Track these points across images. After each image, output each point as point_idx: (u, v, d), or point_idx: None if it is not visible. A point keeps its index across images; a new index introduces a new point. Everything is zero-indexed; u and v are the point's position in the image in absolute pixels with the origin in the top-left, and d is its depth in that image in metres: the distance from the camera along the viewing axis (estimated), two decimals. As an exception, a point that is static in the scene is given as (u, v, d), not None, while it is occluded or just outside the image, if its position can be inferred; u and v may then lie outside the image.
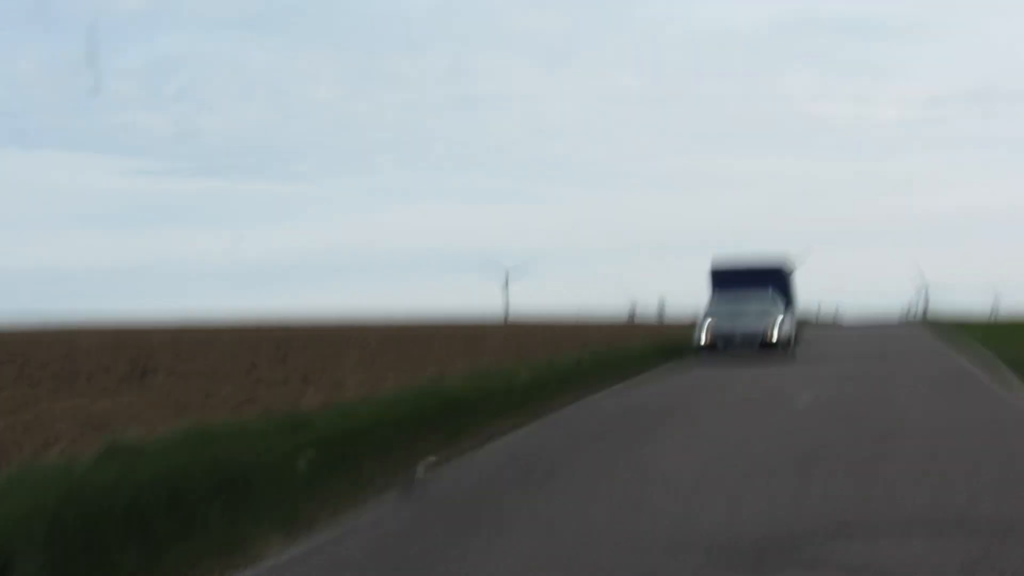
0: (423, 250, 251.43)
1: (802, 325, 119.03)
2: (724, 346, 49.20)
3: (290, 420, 19.63)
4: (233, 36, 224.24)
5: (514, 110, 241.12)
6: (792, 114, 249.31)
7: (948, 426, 21.65)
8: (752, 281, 56.48)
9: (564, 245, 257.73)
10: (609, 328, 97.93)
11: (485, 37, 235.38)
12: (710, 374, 40.00)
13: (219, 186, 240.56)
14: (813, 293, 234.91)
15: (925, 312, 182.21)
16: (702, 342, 49.47)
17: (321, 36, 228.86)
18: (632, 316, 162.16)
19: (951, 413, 23.96)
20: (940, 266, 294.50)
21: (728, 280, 57.72)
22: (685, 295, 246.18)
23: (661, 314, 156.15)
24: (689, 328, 55.87)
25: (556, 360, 38.84)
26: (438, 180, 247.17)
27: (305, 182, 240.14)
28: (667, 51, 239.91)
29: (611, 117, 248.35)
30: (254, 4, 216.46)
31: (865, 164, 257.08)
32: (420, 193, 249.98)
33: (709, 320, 50.34)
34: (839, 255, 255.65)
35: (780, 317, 50.73)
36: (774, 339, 49.49)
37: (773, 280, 57.72)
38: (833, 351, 57.26)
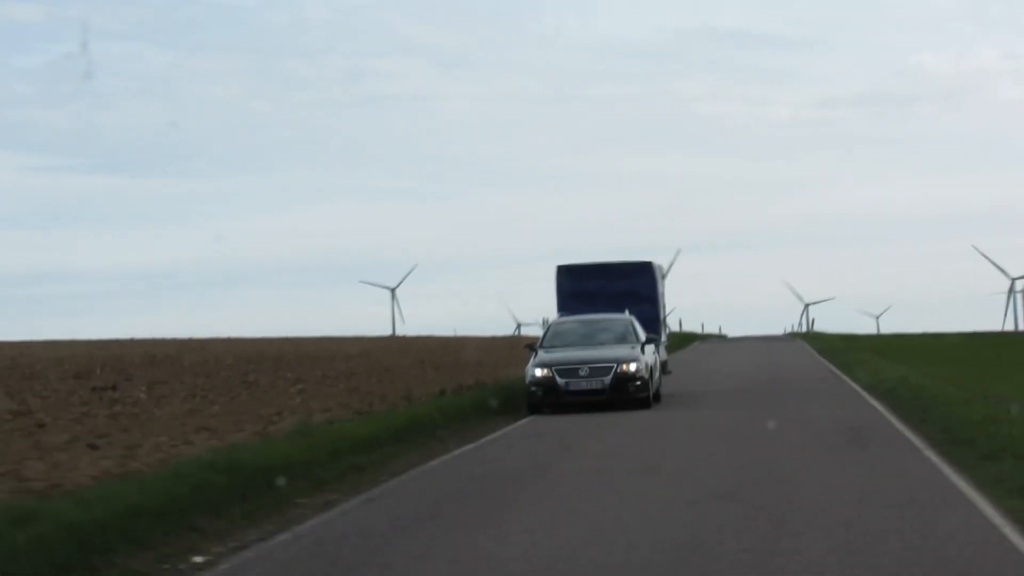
0: (317, 253, 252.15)
1: (685, 341, 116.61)
2: (562, 392, 36.42)
3: (13, 511, 15.18)
4: (131, 42, 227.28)
5: (412, 110, 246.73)
6: (686, 115, 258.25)
7: (856, 505, 17.48)
8: (608, 295, 46.10)
9: (458, 247, 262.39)
10: (491, 344, 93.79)
11: (383, 44, 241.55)
12: (564, 428, 31.84)
13: (118, 183, 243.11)
14: (700, 302, 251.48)
15: (812, 325, 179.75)
16: (531, 385, 36.71)
17: (219, 42, 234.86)
18: (518, 330, 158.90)
19: (859, 484, 19.71)
20: (828, 270, 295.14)
21: (577, 294, 47.26)
22: None
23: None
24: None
25: (405, 406, 34.33)
26: (335, 179, 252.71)
27: (202, 179, 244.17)
28: (563, 58, 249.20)
29: (508, 117, 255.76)
30: (151, 14, 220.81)
31: (758, 163, 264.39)
32: (316, 192, 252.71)
33: (543, 355, 37.42)
34: (728, 259, 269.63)
35: (642, 348, 37.96)
36: (633, 380, 36.53)
37: (635, 293, 47.51)
38: (711, 385, 48.29)
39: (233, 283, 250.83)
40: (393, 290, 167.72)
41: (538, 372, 36.49)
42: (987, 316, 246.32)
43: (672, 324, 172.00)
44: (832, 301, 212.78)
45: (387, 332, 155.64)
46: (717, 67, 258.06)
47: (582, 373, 36.29)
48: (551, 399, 36.25)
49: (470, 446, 28.28)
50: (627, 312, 41.13)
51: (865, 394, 41.24)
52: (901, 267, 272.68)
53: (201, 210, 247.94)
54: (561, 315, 43.63)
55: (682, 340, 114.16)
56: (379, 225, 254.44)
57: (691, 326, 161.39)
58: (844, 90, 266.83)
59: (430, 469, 24.14)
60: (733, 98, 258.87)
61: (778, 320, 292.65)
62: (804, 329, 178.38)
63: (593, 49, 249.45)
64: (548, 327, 40.21)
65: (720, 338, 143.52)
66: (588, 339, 38.60)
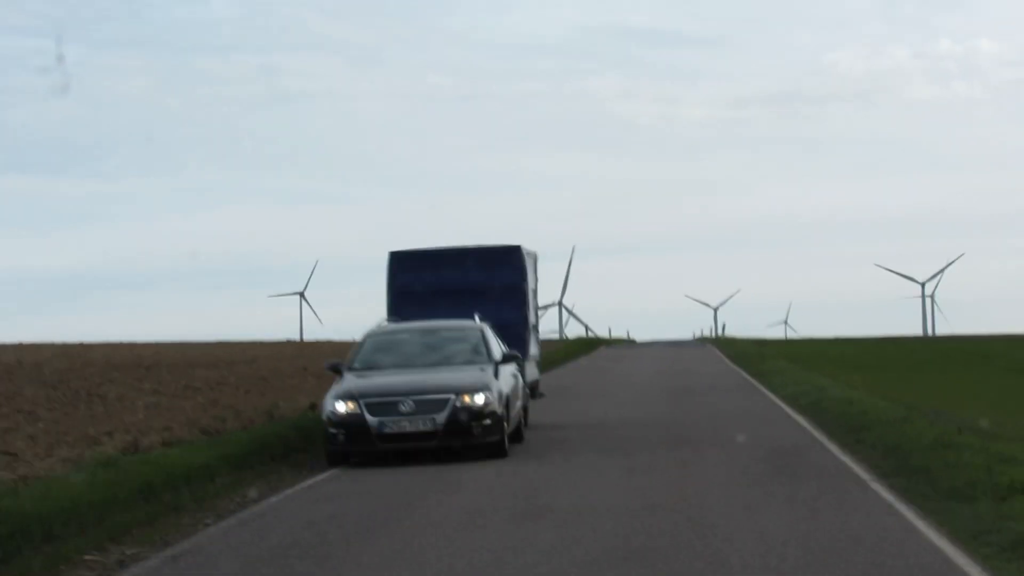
0: (230, 254, 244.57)
1: (589, 347, 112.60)
2: (375, 436, 24.76)
3: None
4: (37, 37, 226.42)
5: (324, 108, 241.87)
6: (599, 114, 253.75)
7: (804, 570, 13.18)
8: (455, 293, 35.80)
9: (373, 248, 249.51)
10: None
11: (294, 40, 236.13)
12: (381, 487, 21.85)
13: (25, 183, 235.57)
14: (609, 305, 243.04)
15: (723, 330, 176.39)
16: (330, 426, 24.97)
17: (129, 38, 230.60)
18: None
19: (800, 535, 15.36)
20: (738, 274, 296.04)
21: (410, 293, 36.41)
22: None
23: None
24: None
25: (262, 424, 29.71)
26: (247, 179, 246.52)
27: (111, 180, 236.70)
28: (476, 56, 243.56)
29: (421, 116, 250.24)
30: (57, 10, 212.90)
31: (671, 163, 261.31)
32: (229, 193, 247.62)
33: (350, 381, 26.07)
34: (639, 262, 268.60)
35: (495, 370, 26.72)
36: (480, 417, 25.11)
37: (494, 289, 36.83)
38: (607, 403, 40.61)
39: (142, 286, 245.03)
40: (302, 294, 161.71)
41: (340, 407, 24.83)
42: (900, 320, 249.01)
43: (577, 328, 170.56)
44: (743, 308, 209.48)
45: (297, 337, 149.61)
46: (629, 65, 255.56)
47: (404, 409, 24.73)
48: (360, 446, 24.84)
49: (323, 475, 23.69)
50: (477, 318, 29.61)
51: (787, 408, 37.06)
52: (812, 271, 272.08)
53: (110, 211, 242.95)
54: (388, 322, 31.88)
55: (587, 346, 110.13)
56: (292, 227, 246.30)
57: (599, 330, 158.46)
58: (757, 90, 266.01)
59: (267, 509, 19.51)
60: (646, 97, 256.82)
61: (689, 325, 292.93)
62: (714, 334, 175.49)
63: (505, 46, 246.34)
64: (363, 340, 28.34)
65: (628, 343, 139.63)
66: (418, 358, 27.25)
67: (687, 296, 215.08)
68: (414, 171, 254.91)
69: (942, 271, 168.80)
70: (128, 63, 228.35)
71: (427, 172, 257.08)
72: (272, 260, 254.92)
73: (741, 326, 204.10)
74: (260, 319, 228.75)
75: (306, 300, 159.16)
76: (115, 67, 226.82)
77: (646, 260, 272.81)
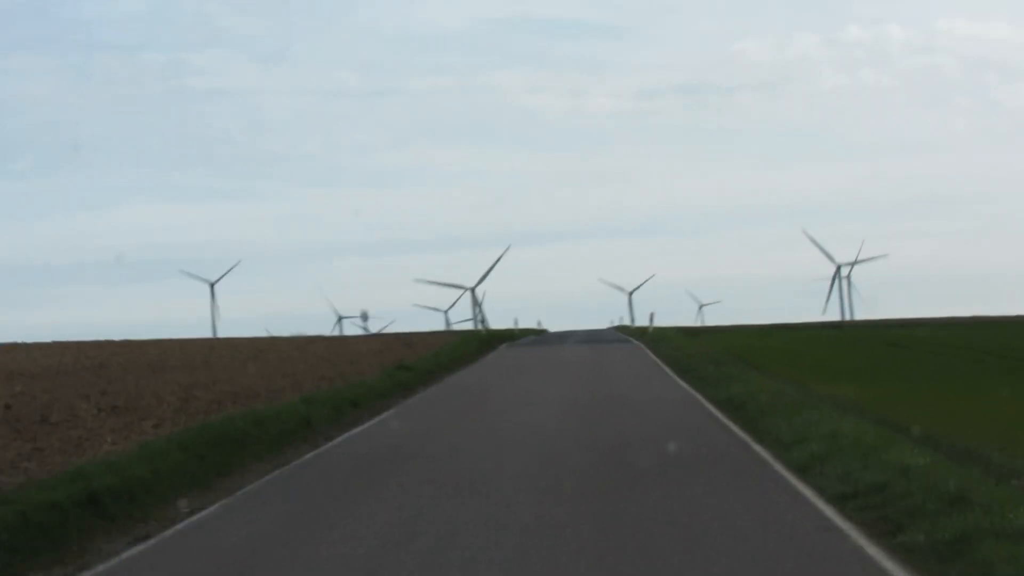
0: (138, 251, 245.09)
1: (485, 345, 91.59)
2: None
3: None
4: None
5: (232, 105, 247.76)
6: (507, 107, 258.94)
7: None
8: None
9: (280, 245, 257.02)
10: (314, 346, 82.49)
11: (200, 37, 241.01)
12: None
13: None
14: (520, 296, 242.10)
15: (652, 320, 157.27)
16: None
17: (33, 37, 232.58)
18: (339, 323, 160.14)
19: None
20: (648, 261, 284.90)
21: None
22: (404, 299, 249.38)
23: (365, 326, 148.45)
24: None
25: None
26: (153, 177, 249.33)
27: (23, 179, 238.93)
28: (382, 50, 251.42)
29: (328, 112, 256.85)
30: None
31: (579, 155, 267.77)
32: (136, 191, 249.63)
33: None
34: (549, 252, 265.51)
35: None
36: None
37: None
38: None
39: (51, 282, 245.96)
40: (212, 284, 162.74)
41: None
42: (810, 305, 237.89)
43: (497, 321, 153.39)
44: (657, 296, 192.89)
45: (207, 333, 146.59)
46: (535, 58, 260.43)
47: None
48: None
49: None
50: None
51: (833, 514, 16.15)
52: (723, 257, 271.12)
53: (20, 210, 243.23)
54: None
55: (483, 344, 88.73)
56: (200, 223, 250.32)
57: (506, 322, 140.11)
58: (664, 81, 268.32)
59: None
60: (553, 90, 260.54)
61: (603, 312, 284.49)
62: (631, 322, 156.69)
63: (409, 40, 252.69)
64: None
65: (537, 334, 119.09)
66: None
67: (601, 280, 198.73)
68: (324, 167, 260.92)
69: (857, 261, 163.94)
70: (35, 63, 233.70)
71: (337, 168, 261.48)
72: (183, 255, 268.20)
73: (657, 312, 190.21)
74: (165, 311, 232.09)
75: (214, 295, 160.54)
76: (21, 67, 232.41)
77: (559, 248, 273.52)
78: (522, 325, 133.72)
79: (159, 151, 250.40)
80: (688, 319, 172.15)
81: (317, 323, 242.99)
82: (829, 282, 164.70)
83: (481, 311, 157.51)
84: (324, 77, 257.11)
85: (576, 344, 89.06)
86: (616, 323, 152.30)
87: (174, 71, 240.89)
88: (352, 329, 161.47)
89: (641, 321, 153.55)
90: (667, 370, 55.73)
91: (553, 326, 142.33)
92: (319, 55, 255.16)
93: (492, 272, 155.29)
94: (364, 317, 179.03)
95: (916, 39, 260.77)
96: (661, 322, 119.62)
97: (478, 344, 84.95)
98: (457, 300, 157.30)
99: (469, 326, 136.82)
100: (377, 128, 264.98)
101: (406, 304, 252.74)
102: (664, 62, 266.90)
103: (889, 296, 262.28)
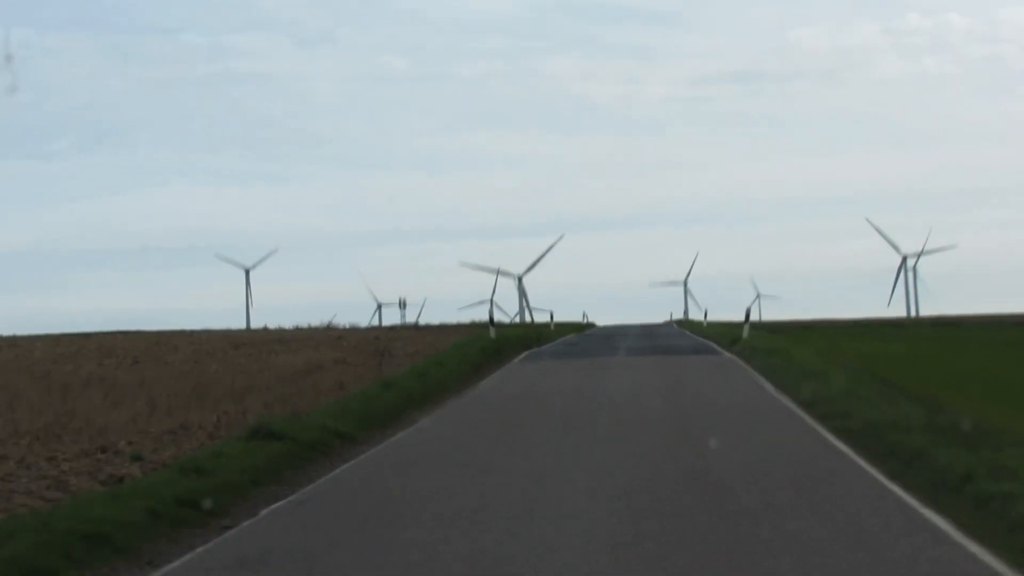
0: (177, 235, 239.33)
1: (509, 346, 61.57)
2: None
3: None
4: None
5: (275, 89, 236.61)
6: (558, 93, 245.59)
7: None
8: None
9: (322, 230, 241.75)
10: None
11: (242, 19, 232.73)
12: None
13: None
14: (568, 287, 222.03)
15: (706, 316, 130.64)
16: None
17: (73, 19, 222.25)
18: (378, 312, 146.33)
19: None
20: (703, 252, 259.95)
21: None
22: (447, 287, 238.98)
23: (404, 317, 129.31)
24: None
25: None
26: (195, 160, 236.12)
27: (60, 161, 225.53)
28: (429, 34, 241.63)
29: (375, 96, 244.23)
30: None
31: (631, 142, 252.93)
32: (176, 173, 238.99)
33: None
34: (601, 242, 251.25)
35: None
36: None
37: None
38: None
39: (91, 265, 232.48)
40: (248, 271, 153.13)
41: None
42: (861, 298, 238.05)
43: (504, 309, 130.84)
44: (708, 286, 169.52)
45: (240, 323, 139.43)
46: (586, 44, 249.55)
47: None
48: None
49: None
50: None
51: None
52: (776, 247, 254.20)
53: (59, 191, 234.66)
54: None
55: (491, 352, 58.16)
56: (240, 207, 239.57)
57: (546, 315, 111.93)
58: (718, 68, 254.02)
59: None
60: (605, 76, 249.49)
61: (653, 304, 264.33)
62: (685, 314, 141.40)
63: (457, 24, 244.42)
64: None
65: (580, 330, 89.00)
66: None
67: (652, 284, 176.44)
68: (369, 152, 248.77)
69: (924, 251, 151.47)
70: (75, 44, 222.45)
71: (383, 153, 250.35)
72: (222, 241, 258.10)
73: (710, 306, 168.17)
74: (200, 297, 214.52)
75: (249, 282, 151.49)
76: (61, 48, 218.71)
77: (608, 237, 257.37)
78: (566, 317, 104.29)
79: (199, 134, 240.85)
80: (740, 311, 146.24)
81: (357, 312, 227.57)
82: (893, 274, 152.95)
83: (527, 302, 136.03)
84: (370, 61, 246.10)
85: (633, 354, 58.42)
86: (673, 318, 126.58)
87: (216, 54, 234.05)
88: (391, 318, 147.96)
89: (696, 314, 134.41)
90: (783, 399, 26.63)
91: (601, 318, 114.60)
92: (365, 39, 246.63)
93: (542, 261, 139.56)
94: (402, 305, 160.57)
95: (978, 28, 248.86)
96: (715, 316, 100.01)
97: (481, 354, 54.51)
98: (492, 292, 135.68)
99: (506, 320, 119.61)
100: (425, 113, 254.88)
101: (450, 292, 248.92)
102: (718, 50, 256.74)
103: (950, 289, 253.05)
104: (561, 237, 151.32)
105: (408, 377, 43.03)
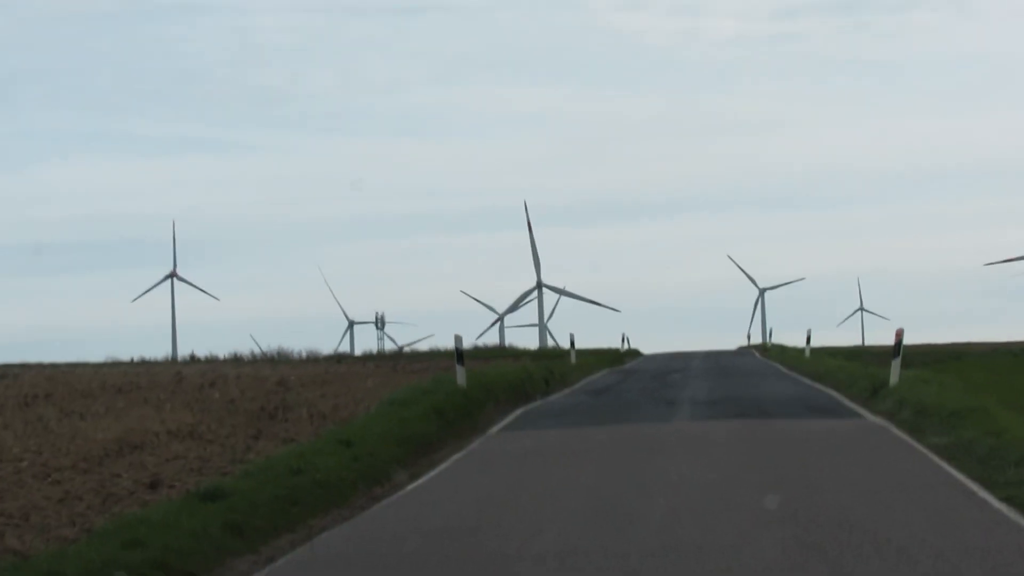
0: (78, 228, 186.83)
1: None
2: None
3: None
4: None
5: (211, 27, 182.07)
6: (592, 31, 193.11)
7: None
8: None
9: (275, 219, 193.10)
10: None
11: None
12: None
13: None
14: (601, 289, 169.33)
15: (769, 335, 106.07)
16: None
17: None
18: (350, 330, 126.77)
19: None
20: (786, 244, 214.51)
21: None
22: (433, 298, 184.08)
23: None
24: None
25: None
26: (95, 123, 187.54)
27: None
28: None
29: (343, 35, 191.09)
30: None
31: (690, 97, 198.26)
32: (76, 142, 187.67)
33: None
34: (646, 229, 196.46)
35: None
36: None
37: None
38: None
39: None
40: (174, 275, 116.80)
41: None
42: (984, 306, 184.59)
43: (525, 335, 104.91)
44: (799, 284, 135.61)
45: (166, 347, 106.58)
46: None
47: None
48: None
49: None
50: None
51: None
52: (889, 238, 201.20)
53: None
54: None
55: (490, 392, 34.30)
56: (164, 188, 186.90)
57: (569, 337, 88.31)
58: None
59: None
60: (655, 7, 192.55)
61: (719, 317, 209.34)
62: (766, 336, 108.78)
63: None
64: None
65: (618, 361, 65.09)
66: None
67: (730, 259, 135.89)
68: (337, 112, 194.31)
69: None
70: None
71: (355, 113, 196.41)
72: (139, 234, 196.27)
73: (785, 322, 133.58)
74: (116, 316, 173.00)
75: (183, 280, 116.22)
76: None
77: (659, 226, 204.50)
78: (595, 338, 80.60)
79: (108, 89, 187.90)
80: (828, 327, 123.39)
81: (322, 331, 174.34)
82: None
83: (548, 332, 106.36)
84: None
85: (703, 414, 34.37)
86: (751, 342, 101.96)
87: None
88: (366, 340, 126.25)
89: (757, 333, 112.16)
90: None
91: (646, 341, 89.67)
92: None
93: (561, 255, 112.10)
94: (380, 323, 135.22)
95: None
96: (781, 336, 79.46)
97: (433, 418, 30.81)
98: (521, 299, 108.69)
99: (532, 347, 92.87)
100: (412, 58, 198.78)
101: (447, 302, 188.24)
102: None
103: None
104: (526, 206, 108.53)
105: (264, 476, 23.68)
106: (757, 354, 71.64)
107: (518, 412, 35.54)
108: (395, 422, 30.38)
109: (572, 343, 62.41)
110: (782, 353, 65.92)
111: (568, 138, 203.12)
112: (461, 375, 34.85)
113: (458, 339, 35.22)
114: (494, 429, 32.36)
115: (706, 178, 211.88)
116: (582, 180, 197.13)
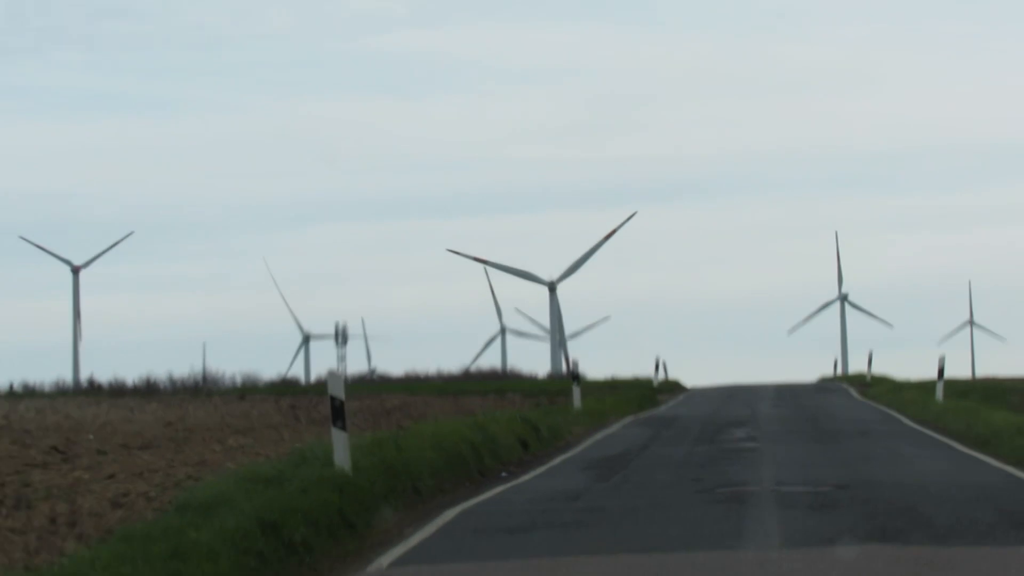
0: None
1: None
2: None
3: None
4: None
5: None
6: None
7: None
8: None
9: (210, 201, 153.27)
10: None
11: None
12: None
13: None
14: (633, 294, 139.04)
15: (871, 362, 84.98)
16: None
17: None
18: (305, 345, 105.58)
19: None
20: (873, 235, 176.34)
21: None
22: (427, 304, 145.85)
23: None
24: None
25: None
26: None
27: None
28: None
29: None
30: None
31: (758, 45, 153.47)
32: None
33: None
34: (691, 213, 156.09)
35: None
36: None
37: None
38: None
39: None
40: (77, 269, 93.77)
41: None
42: None
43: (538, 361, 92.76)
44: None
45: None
46: None
47: None
48: None
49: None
50: None
51: None
52: (1002, 228, 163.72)
53: None
54: None
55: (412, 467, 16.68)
56: (72, 160, 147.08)
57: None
58: None
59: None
60: None
61: (777, 324, 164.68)
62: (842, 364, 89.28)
63: None
64: None
65: (649, 403, 48.05)
66: None
67: (834, 246, 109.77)
68: (296, 62, 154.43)
69: None
70: None
71: (319, 64, 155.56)
72: (36, 219, 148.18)
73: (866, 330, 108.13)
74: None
75: (76, 285, 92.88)
76: None
77: (713, 208, 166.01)
78: (617, 364, 64.92)
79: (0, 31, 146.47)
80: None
81: (271, 346, 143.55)
82: None
83: (564, 352, 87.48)
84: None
85: (806, 534, 17.23)
86: (838, 371, 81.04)
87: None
88: (324, 358, 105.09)
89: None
90: None
91: (695, 376, 72.72)
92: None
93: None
94: (342, 337, 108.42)
95: None
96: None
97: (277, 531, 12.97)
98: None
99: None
100: None
101: (436, 308, 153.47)
102: None
103: None
104: (633, 215, 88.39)
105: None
106: (853, 392, 52.79)
107: (450, 515, 18.80)
108: (158, 565, 13.72)
109: (576, 375, 43.49)
110: (895, 393, 46.81)
111: (583, 96, 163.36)
112: (341, 449, 18.01)
113: (333, 377, 18.20)
114: (384, 560, 15.85)
115: (780, 150, 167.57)
116: (603, 151, 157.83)
